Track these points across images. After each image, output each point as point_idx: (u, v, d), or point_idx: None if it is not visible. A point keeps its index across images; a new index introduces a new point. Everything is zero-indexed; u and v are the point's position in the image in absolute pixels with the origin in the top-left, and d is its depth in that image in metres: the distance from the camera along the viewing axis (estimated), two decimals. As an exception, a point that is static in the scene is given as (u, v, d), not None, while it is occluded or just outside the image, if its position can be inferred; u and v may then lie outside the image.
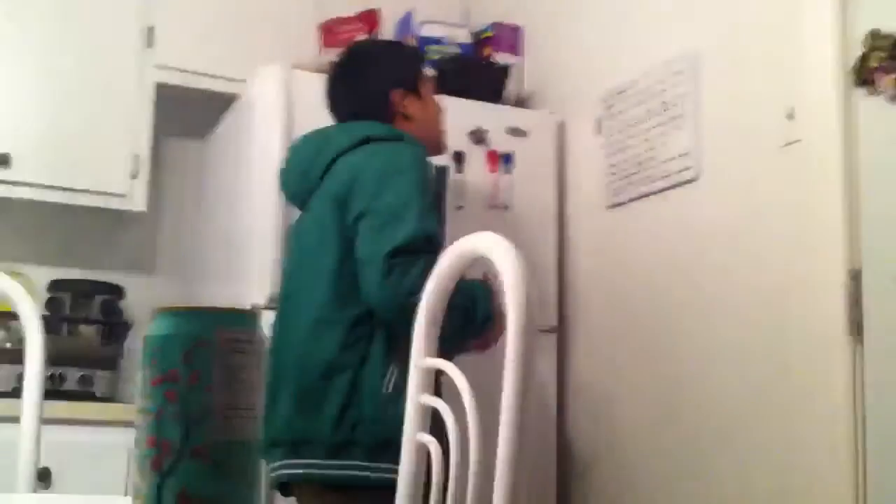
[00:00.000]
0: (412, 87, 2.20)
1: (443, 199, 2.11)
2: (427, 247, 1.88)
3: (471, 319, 1.92)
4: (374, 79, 2.19)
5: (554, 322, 2.82)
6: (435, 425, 1.19)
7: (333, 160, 2.05)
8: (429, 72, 2.43)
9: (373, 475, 1.87)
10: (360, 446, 1.88)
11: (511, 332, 0.98)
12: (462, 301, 1.87)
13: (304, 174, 2.11)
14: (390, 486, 1.87)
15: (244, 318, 0.80)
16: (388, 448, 1.85)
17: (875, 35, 1.88)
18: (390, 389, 1.89)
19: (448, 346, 1.90)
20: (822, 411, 1.94)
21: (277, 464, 1.96)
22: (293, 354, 1.96)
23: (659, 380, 2.45)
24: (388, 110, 2.16)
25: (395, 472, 1.85)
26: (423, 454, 1.16)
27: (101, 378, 2.84)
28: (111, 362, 2.93)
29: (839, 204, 1.94)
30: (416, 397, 1.16)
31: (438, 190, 2.08)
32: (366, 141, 2.05)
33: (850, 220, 1.92)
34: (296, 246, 2.12)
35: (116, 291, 3.09)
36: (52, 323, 2.94)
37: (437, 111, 2.26)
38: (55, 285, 3.05)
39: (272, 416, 1.95)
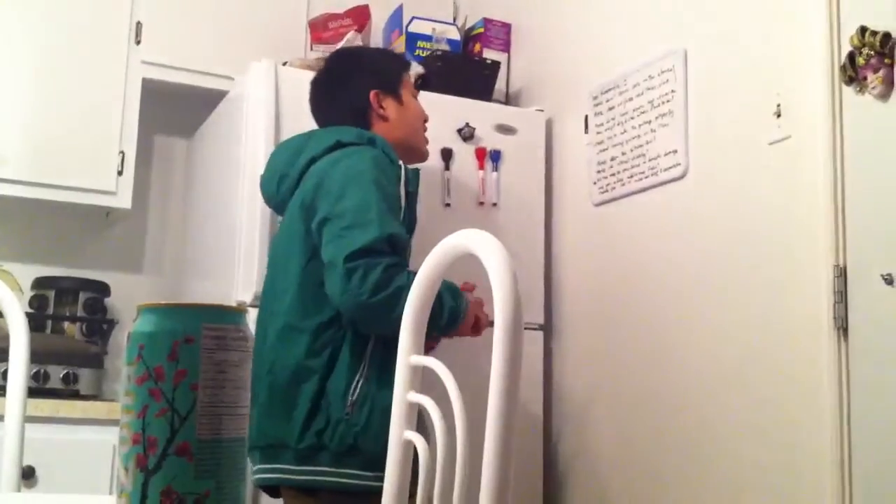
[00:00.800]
0: (391, 89, 2.21)
1: (415, 201, 2.12)
2: (388, 249, 1.89)
3: (433, 319, 1.92)
4: (353, 80, 2.20)
5: (540, 319, 2.82)
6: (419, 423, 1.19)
7: (307, 166, 2.07)
8: (414, 73, 2.42)
9: (339, 480, 1.89)
10: (327, 452, 1.90)
11: (498, 329, 0.97)
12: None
13: (281, 180, 2.13)
14: (358, 492, 1.89)
15: (230, 315, 0.79)
16: (355, 453, 1.88)
17: (864, 32, 1.88)
18: (356, 396, 1.91)
19: (385, 332, 1.93)
20: (808, 407, 1.95)
21: (255, 468, 1.99)
22: (266, 360, 1.98)
23: (646, 376, 2.46)
24: (366, 111, 2.17)
25: (362, 477, 1.89)
26: (410, 451, 1.16)
27: (85, 376, 2.82)
28: (95, 360, 2.91)
29: (826, 201, 1.94)
30: (403, 395, 1.16)
31: (411, 191, 2.09)
32: (337, 146, 2.06)
33: (836, 217, 1.92)
34: (272, 251, 2.17)
35: (101, 289, 3.08)
36: (37, 320, 2.92)
37: (418, 117, 2.26)
38: (39, 282, 3.03)
39: (251, 419, 1.96)
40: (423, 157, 2.29)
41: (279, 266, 2.07)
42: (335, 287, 1.88)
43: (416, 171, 2.14)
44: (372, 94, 2.18)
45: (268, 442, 1.95)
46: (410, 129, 2.23)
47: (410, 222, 2.09)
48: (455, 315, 1.97)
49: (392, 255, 1.89)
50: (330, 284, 1.90)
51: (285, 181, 2.12)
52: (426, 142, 2.29)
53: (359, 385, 1.92)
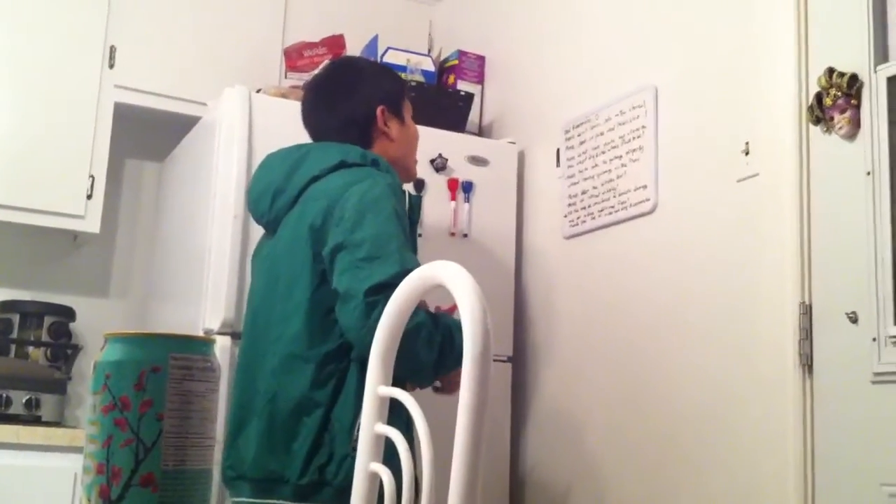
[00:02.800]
0: (396, 107, 2.15)
1: (416, 228, 2.08)
2: None
3: (445, 356, 1.87)
4: (359, 91, 2.13)
5: (509, 352, 2.82)
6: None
7: (308, 184, 1.99)
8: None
9: None
10: (330, 487, 1.81)
11: (466, 361, 0.97)
12: (441, 337, 1.84)
13: (276, 196, 2.03)
14: None
15: (198, 345, 0.79)
16: None
17: (831, 73, 1.91)
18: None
19: (419, 379, 1.87)
20: (773, 444, 1.96)
21: (243, 500, 1.91)
22: (262, 388, 1.90)
23: (614, 409, 2.46)
24: (371, 126, 2.10)
25: None
26: (376, 484, 1.15)
27: (48, 402, 2.79)
28: (59, 386, 2.87)
29: (793, 239, 1.96)
30: (371, 426, 1.15)
31: (413, 218, 2.05)
32: (341, 165, 1.99)
33: (802, 254, 1.94)
34: (265, 272, 2.04)
35: (67, 313, 3.04)
36: (0, 344, 2.88)
37: (415, 137, 2.22)
38: (4, 306, 2.99)
39: (238, 448, 1.91)
40: (412, 177, 2.24)
41: (279, 289, 1.96)
42: (353, 320, 1.79)
43: (419, 197, 2.12)
44: (379, 109, 2.11)
45: (263, 475, 1.86)
46: (408, 150, 2.18)
47: (412, 249, 2.05)
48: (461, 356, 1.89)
49: None
50: (346, 317, 1.82)
51: (281, 197, 2.02)
52: (416, 162, 2.24)
53: None
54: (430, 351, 1.83)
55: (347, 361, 1.87)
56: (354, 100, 2.12)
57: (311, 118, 2.16)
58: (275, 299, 1.97)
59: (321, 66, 2.55)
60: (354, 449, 1.79)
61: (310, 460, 1.83)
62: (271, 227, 2.07)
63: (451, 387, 1.98)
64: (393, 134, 2.13)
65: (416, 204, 2.08)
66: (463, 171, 2.85)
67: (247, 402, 1.92)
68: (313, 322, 1.89)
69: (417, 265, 1.85)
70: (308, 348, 1.88)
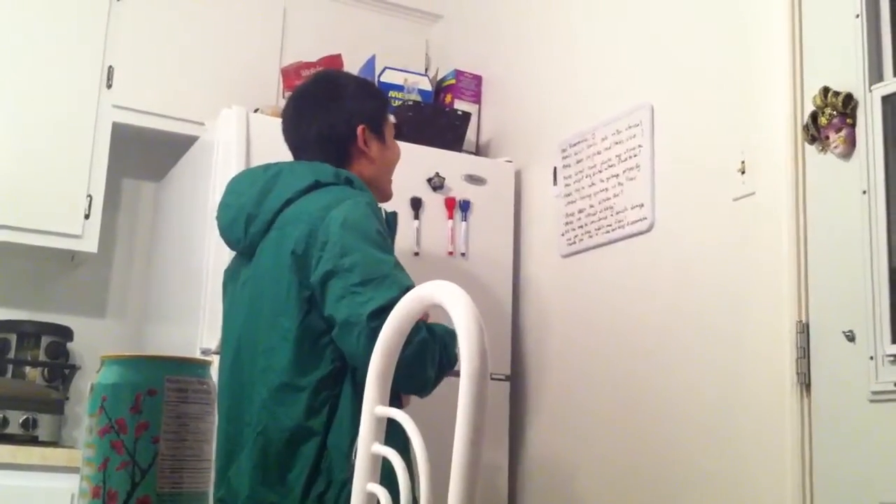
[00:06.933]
0: (377, 127, 2.11)
1: (393, 244, 2.06)
2: None
3: (444, 366, 1.84)
4: (341, 109, 2.08)
5: (507, 370, 2.82)
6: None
7: (282, 207, 1.94)
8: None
9: None
10: None
11: (464, 380, 0.97)
12: (439, 348, 1.82)
13: (249, 222, 1.97)
14: None
15: (193, 368, 0.79)
16: None
17: (826, 93, 1.92)
18: None
19: (423, 393, 1.86)
20: (771, 462, 1.96)
21: None
22: (252, 420, 1.85)
23: (611, 427, 2.46)
24: (348, 143, 2.06)
25: None
26: (374, 505, 1.14)
27: (45, 422, 2.78)
28: (56, 406, 2.86)
29: (789, 257, 1.97)
30: (368, 447, 1.15)
31: (391, 235, 2.02)
32: (315, 186, 1.94)
33: (799, 273, 1.95)
34: (247, 301, 1.97)
35: (64, 333, 3.04)
36: (-3, 364, 2.88)
37: (396, 158, 2.17)
38: (1, 326, 2.99)
39: (230, 481, 1.86)
40: (387, 198, 2.16)
41: (264, 319, 1.90)
42: (359, 348, 1.75)
43: (395, 213, 2.09)
44: (360, 128, 2.05)
45: None
46: (386, 171, 2.14)
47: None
48: (453, 360, 1.86)
49: None
50: (350, 345, 1.78)
51: (255, 222, 1.96)
52: (391, 182, 2.18)
53: None
54: (434, 366, 1.82)
55: (340, 386, 1.84)
56: (335, 116, 2.07)
57: (290, 131, 2.10)
58: (259, 329, 1.91)
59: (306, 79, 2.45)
60: (352, 474, 1.80)
61: (308, 489, 1.79)
62: (247, 252, 2.01)
63: None
64: (373, 154, 2.08)
65: (392, 221, 2.04)
66: (460, 190, 2.86)
67: (235, 435, 1.88)
68: (303, 350, 1.84)
69: (412, 283, 1.82)
70: (300, 377, 1.83)
